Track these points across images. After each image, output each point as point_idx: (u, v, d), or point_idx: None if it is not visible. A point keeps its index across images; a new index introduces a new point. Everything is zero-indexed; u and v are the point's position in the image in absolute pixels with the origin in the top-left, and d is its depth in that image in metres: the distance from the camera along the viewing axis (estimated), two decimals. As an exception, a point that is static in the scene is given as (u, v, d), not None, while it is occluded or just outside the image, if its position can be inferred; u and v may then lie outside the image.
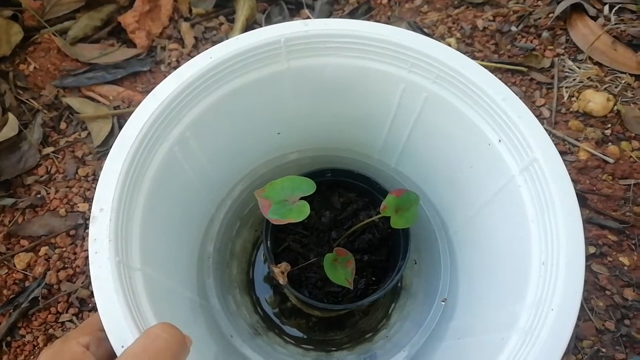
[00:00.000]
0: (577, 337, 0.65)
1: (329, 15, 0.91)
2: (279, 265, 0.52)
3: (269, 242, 0.54)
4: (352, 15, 0.90)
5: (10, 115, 0.76)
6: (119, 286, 0.37)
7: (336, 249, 0.50)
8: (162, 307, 0.42)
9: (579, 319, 0.66)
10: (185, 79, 0.45)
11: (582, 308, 0.67)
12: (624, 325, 0.65)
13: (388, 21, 0.90)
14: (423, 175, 0.60)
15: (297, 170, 0.55)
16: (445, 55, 0.46)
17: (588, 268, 0.69)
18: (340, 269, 0.50)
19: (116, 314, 0.36)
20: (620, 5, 0.88)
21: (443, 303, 0.56)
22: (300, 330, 0.65)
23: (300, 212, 0.44)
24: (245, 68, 0.48)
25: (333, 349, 0.63)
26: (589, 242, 0.71)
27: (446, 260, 0.59)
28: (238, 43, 0.47)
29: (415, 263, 0.66)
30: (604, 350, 0.64)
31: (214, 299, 0.59)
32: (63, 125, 0.80)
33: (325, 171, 0.59)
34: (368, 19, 0.91)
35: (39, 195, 0.74)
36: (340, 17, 0.90)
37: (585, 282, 0.67)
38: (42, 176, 0.76)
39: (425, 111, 0.51)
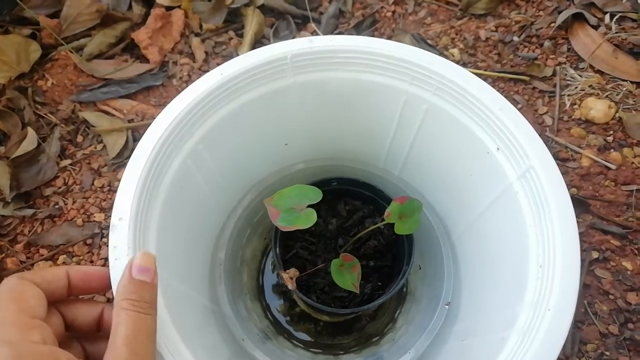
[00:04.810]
0: (581, 341, 0.66)
1: (335, 28, 0.93)
2: (287, 271, 0.54)
3: (278, 249, 0.56)
4: (358, 28, 0.93)
5: (30, 130, 0.80)
6: (138, 290, 0.39)
7: (342, 255, 0.52)
8: (178, 312, 0.44)
9: (582, 323, 0.67)
10: (197, 94, 0.47)
11: (585, 312, 0.68)
12: (628, 329, 0.66)
13: (392, 33, 0.93)
14: (425, 183, 0.62)
15: (304, 179, 0.57)
16: (443, 68, 0.48)
17: (592, 273, 0.70)
18: (346, 274, 0.52)
19: (135, 317, 0.38)
20: (621, 14, 0.90)
21: (447, 306, 0.58)
22: (309, 335, 0.67)
23: (308, 219, 0.46)
24: (253, 83, 0.50)
25: (341, 352, 0.65)
26: (592, 247, 0.72)
27: (449, 264, 0.60)
28: (247, 60, 0.49)
29: (420, 268, 0.68)
30: (607, 353, 0.65)
31: (226, 306, 0.61)
32: (80, 139, 0.83)
33: (331, 180, 0.61)
34: (373, 32, 0.93)
35: (57, 206, 0.77)
36: (346, 30, 0.93)
37: (589, 286, 0.69)
38: (60, 187, 0.79)
39: (426, 122, 0.53)
